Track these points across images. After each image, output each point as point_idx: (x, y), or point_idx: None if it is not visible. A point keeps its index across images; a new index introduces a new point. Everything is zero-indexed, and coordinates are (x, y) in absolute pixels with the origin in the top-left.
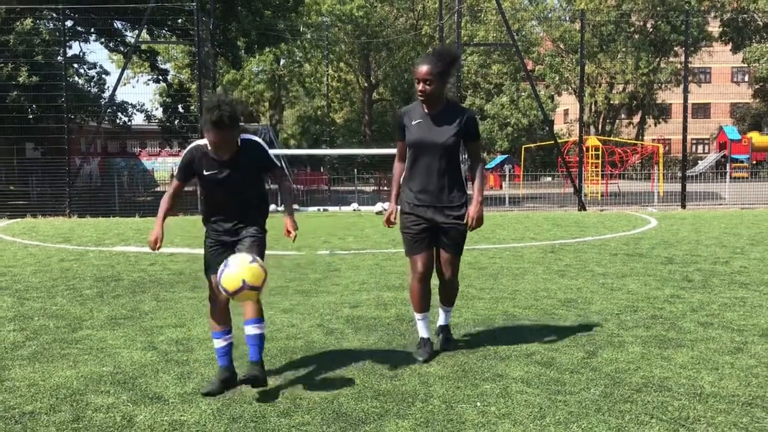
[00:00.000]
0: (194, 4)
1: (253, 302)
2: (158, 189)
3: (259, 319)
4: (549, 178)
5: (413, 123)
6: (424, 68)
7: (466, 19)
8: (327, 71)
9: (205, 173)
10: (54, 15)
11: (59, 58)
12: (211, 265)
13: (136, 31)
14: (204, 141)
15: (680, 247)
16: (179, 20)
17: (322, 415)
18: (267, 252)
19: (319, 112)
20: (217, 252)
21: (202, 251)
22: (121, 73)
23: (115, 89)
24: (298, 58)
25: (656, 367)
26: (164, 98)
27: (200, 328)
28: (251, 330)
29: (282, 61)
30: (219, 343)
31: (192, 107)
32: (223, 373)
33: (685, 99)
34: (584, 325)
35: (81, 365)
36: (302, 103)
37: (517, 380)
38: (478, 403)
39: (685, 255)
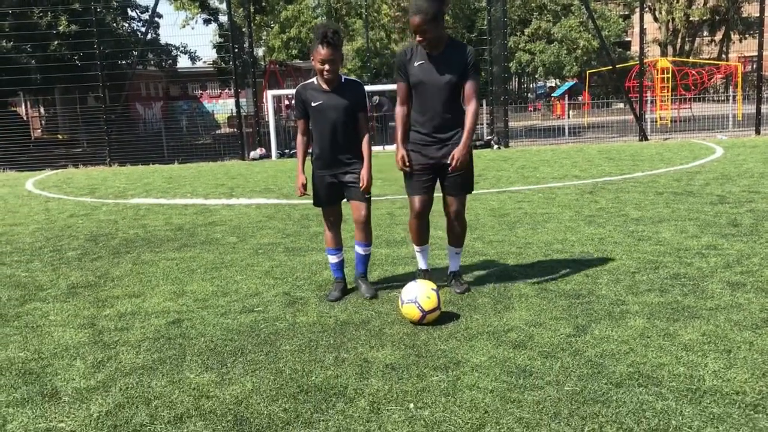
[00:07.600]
0: None
1: (364, 228)
2: (219, 132)
3: (367, 243)
4: (621, 105)
5: (416, 64)
6: (416, 19)
7: None
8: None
9: (312, 104)
10: None
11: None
12: (320, 196)
13: None
14: (309, 80)
15: (739, 182)
16: None
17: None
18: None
19: (378, 45)
20: (324, 185)
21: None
22: (152, 13)
23: (147, 31)
24: None
25: (653, 349)
26: (216, 39)
27: (157, 298)
28: (359, 250)
29: None
30: (333, 259)
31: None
32: (339, 284)
33: (762, 11)
34: (587, 288)
35: (1, 349)
36: (361, 36)
37: (474, 369)
38: (411, 405)
39: (742, 192)
